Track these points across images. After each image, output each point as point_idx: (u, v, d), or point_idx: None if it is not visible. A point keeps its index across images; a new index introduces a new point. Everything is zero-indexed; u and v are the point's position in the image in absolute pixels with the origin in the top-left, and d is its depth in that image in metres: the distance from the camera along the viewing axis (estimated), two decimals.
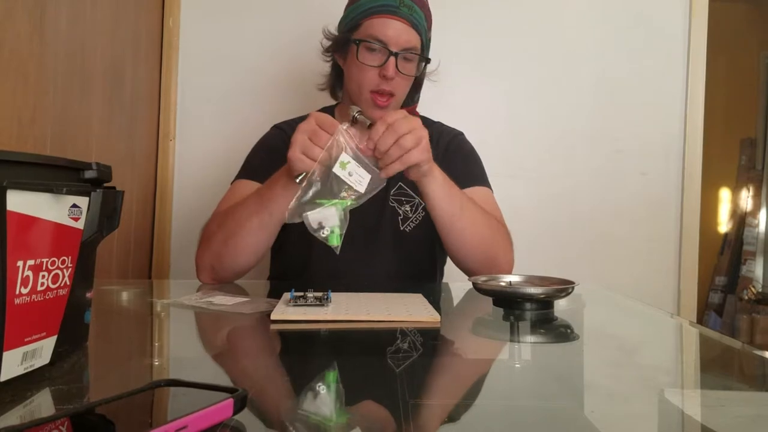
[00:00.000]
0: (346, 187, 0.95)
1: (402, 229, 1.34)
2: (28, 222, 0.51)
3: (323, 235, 0.93)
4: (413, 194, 1.35)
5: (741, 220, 3.96)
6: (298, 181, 1.01)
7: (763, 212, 3.87)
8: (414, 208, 1.35)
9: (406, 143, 0.99)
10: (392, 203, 1.35)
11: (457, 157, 1.38)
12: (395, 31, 1.25)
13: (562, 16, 1.98)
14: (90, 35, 1.43)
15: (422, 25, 1.28)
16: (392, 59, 1.25)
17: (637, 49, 1.97)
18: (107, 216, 0.62)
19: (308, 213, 0.93)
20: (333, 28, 1.39)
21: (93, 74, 1.46)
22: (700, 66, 1.96)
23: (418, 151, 1.01)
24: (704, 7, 1.96)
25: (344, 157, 0.96)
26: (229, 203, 1.24)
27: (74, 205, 0.57)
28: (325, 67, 1.45)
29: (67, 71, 1.33)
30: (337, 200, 0.94)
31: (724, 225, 4.09)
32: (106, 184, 0.63)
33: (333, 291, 0.94)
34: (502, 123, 1.96)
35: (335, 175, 0.95)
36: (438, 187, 1.12)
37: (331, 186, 0.95)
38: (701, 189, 1.97)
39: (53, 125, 1.26)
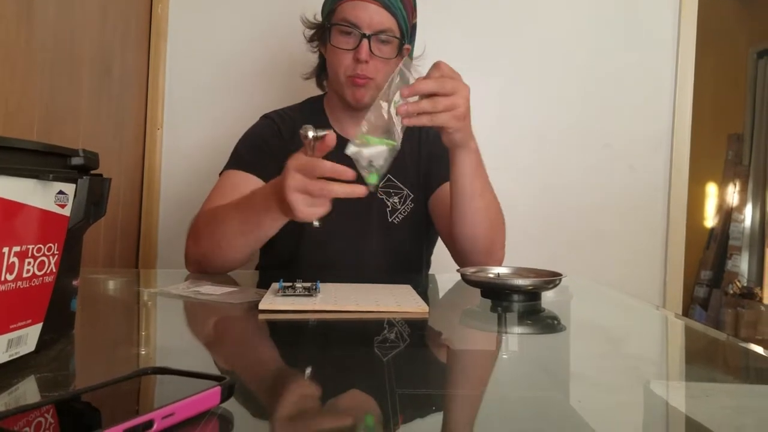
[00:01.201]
0: (396, 129, 0.91)
1: (390, 220, 1.34)
2: (14, 208, 0.51)
3: (367, 173, 0.90)
4: (401, 186, 1.35)
5: (727, 215, 3.99)
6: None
7: (749, 207, 3.90)
8: (402, 200, 1.35)
9: (438, 103, 0.96)
10: (381, 195, 1.34)
11: (446, 149, 1.38)
12: (367, 13, 1.24)
13: (552, 12, 1.97)
14: (79, 22, 1.41)
15: (397, 7, 1.26)
16: (365, 42, 1.24)
17: (627, 44, 1.98)
18: (94, 203, 0.62)
19: (363, 149, 0.89)
20: (311, 16, 1.39)
21: (81, 62, 1.44)
22: (689, 61, 1.97)
23: (450, 116, 0.98)
24: (694, 2, 1.97)
25: (398, 97, 0.92)
26: (219, 196, 1.23)
27: (61, 192, 0.57)
28: (314, 56, 1.44)
29: (55, 58, 1.31)
30: (388, 140, 0.91)
31: (710, 220, 4.12)
32: (93, 172, 0.63)
33: (322, 281, 0.93)
34: (492, 117, 1.95)
35: (391, 116, 0.91)
36: (469, 162, 1.10)
37: (386, 124, 0.91)
38: (688, 183, 1.98)
39: (40, 113, 1.25)
